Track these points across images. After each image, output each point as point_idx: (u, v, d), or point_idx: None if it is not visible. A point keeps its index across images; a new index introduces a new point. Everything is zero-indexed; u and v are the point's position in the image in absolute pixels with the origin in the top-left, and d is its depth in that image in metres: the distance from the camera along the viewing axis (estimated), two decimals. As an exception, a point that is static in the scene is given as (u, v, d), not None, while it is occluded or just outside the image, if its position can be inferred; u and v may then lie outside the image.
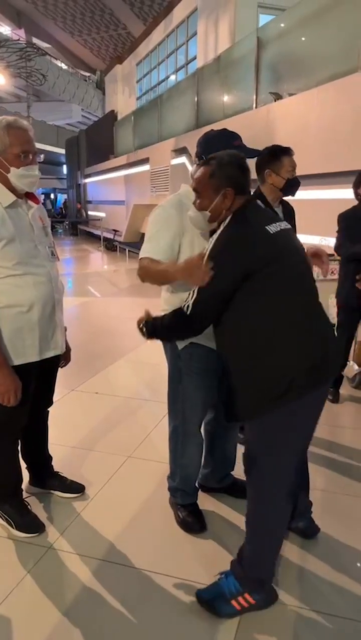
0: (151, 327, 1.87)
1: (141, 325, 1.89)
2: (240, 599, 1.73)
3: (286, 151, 2.67)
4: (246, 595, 1.72)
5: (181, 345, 2.07)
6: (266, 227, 1.64)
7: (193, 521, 2.24)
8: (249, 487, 1.74)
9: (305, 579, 1.93)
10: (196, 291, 1.64)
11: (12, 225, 1.93)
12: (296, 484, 1.80)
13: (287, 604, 1.80)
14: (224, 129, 2.14)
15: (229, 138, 2.09)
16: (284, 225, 1.73)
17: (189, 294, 1.68)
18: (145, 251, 1.98)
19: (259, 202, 1.84)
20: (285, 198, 2.83)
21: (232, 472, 2.48)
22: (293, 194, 2.73)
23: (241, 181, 1.73)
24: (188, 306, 1.66)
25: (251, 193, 2.76)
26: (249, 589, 1.73)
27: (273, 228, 1.65)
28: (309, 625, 1.73)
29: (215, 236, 1.69)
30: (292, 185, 2.66)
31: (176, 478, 2.29)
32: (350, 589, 1.88)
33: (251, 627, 1.70)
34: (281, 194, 2.73)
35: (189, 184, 2.16)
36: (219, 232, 1.69)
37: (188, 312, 1.66)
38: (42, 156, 3.49)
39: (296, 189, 2.70)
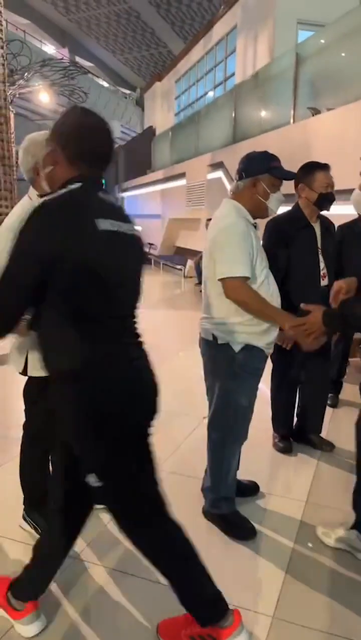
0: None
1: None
2: None
3: (320, 166, 2.68)
4: None
5: (237, 347, 2.11)
6: None
7: (243, 527, 2.27)
8: None
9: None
10: None
11: None
12: None
13: (318, 630, 1.74)
14: (266, 152, 2.21)
15: (269, 159, 2.17)
16: None
17: None
18: (235, 269, 2.02)
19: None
20: (323, 213, 2.80)
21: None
22: (327, 209, 2.71)
23: None
24: None
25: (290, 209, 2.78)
26: None
27: None
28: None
29: None
30: (326, 200, 2.65)
31: (220, 488, 2.31)
32: None
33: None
34: (316, 209, 2.71)
35: (227, 198, 2.20)
36: None
37: None
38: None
39: (330, 204, 2.68)
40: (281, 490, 2.66)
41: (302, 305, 2.00)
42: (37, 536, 2.17)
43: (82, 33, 26.99)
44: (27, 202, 2.01)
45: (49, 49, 24.77)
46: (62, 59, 18.96)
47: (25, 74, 12.32)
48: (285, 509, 2.47)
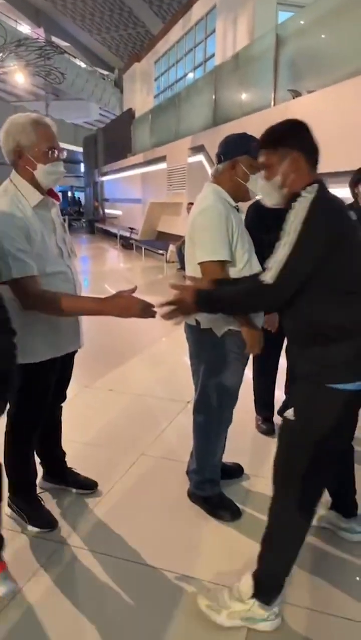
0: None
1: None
2: None
3: None
4: None
5: (220, 332, 2.11)
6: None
7: (228, 509, 2.30)
8: None
9: (316, 581, 1.92)
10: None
11: (41, 225, 1.93)
12: None
13: (300, 606, 1.79)
14: (244, 133, 2.20)
15: (247, 139, 2.16)
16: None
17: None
18: (215, 254, 2.02)
19: None
20: None
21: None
22: None
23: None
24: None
25: None
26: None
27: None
28: (321, 630, 1.71)
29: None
30: None
31: (204, 470, 2.34)
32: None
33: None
34: None
35: (208, 182, 2.18)
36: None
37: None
38: (65, 152, 3.48)
39: None
40: (265, 471, 2.69)
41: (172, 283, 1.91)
42: (25, 524, 2.17)
43: (57, 12, 26.24)
44: (10, 187, 1.95)
45: (24, 28, 24.12)
46: (37, 38, 18.52)
47: (0, 55, 12.00)
48: (269, 490, 2.49)
